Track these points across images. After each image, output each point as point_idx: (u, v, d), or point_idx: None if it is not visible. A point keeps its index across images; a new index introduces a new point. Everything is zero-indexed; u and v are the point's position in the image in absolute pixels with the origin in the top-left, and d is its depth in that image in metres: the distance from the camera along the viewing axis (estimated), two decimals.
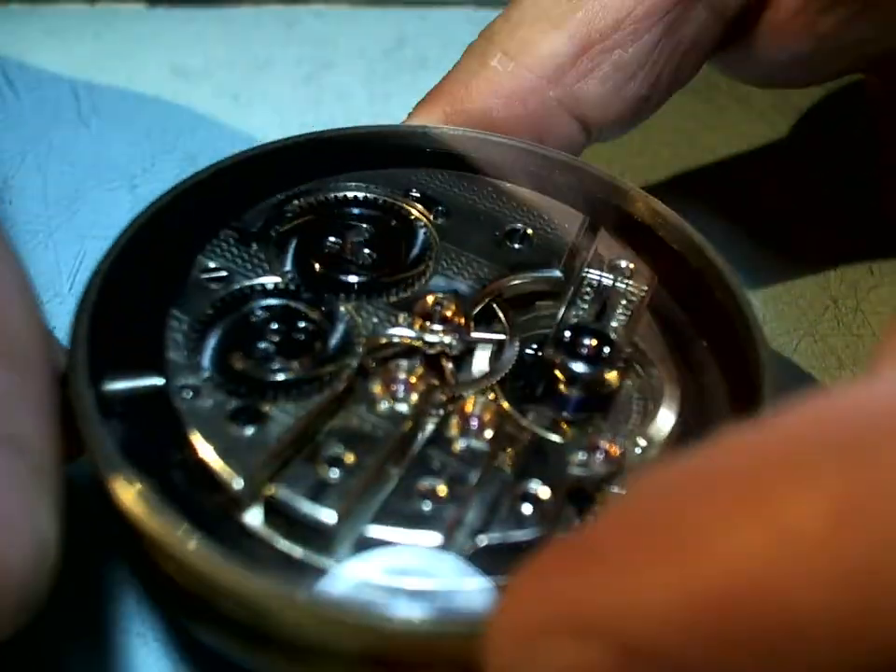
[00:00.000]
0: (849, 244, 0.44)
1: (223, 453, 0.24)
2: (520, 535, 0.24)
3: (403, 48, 0.58)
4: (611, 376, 0.28)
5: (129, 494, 0.22)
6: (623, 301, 0.30)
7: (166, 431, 0.25)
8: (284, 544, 0.24)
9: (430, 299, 0.29)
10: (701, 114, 0.53)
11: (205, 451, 0.24)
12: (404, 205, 0.33)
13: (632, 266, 0.31)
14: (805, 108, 0.53)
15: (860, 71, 0.44)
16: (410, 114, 0.37)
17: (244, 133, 0.51)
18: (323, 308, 0.29)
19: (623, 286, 0.31)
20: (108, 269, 0.27)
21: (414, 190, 0.34)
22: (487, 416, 0.26)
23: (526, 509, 0.25)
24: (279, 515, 0.24)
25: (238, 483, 0.24)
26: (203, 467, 0.24)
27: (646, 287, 0.31)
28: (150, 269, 0.29)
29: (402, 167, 0.35)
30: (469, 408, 0.27)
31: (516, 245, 0.32)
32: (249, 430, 0.25)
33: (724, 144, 0.50)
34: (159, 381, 0.26)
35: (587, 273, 0.31)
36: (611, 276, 0.31)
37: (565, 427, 0.28)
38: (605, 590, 0.15)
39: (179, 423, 0.25)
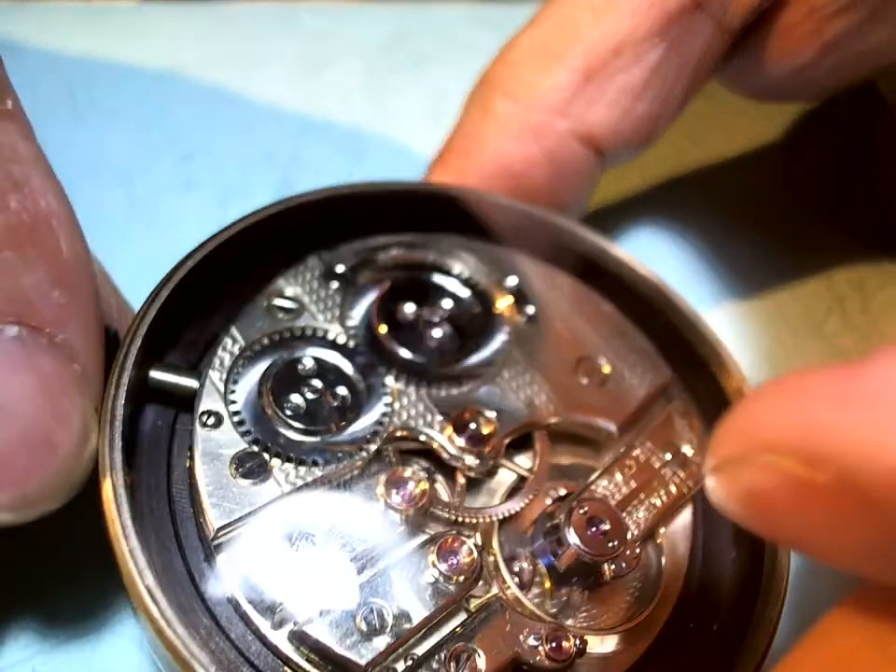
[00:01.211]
0: (854, 243, 0.44)
1: (212, 493, 0.24)
2: None
3: (402, 44, 0.58)
4: (608, 569, 0.25)
5: (108, 491, 0.22)
6: (663, 492, 0.27)
7: (178, 446, 0.26)
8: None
9: (469, 412, 0.27)
10: (704, 112, 0.52)
11: (200, 481, 0.24)
12: (496, 296, 0.31)
13: (691, 455, 0.28)
14: (808, 107, 0.53)
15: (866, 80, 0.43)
16: (425, 175, 0.35)
17: (241, 130, 0.51)
18: (369, 380, 0.28)
19: (671, 472, 0.27)
20: (194, 265, 0.27)
21: (512, 279, 0.31)
22: (467, 560, 0.25)
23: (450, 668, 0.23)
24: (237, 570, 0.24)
25: (210, 531, 0.24)
26: (194, 494, 0.25)
27: (692, 484, 0.27)
28: (230, 275, 0.29)
29: (504, 245, 0.32)
30: (454, 545, 0.25)
31: (585, 380, 0.29)
32: (244, 482, 0.25)
33: (727, 142, 0.50)
34: (194, 385, 0.26)
35: (641, 443, 0.28)
36: (664, 458, 0.28)
37: (540, 592, 0.26)
38: (858, 427, 0.16)
39: (192, 445, 0.25)
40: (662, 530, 0.27)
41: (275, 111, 0.52)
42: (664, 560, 0.27)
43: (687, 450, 0.28)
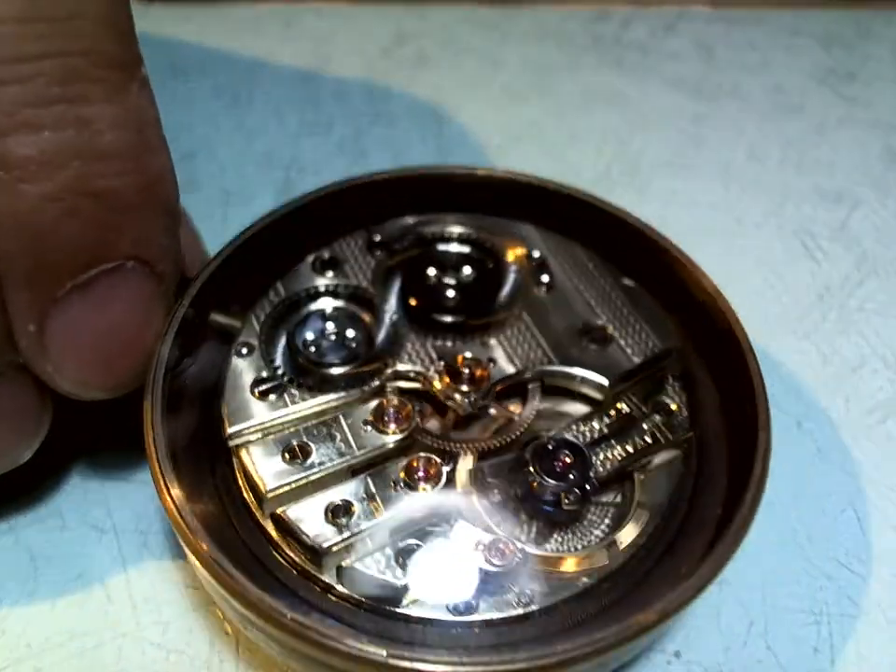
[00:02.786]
0: (837, 239, 0.44)
1: (231, 404, 0.29)
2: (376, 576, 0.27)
3: (402, 45, 0.58)
4: (566, 499, 0.28)
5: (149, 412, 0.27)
6: (638, 439, 0.30)
7: (213, 368, 0.31)
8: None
9: (464, 359, 0.31)
10: (702, 112, 0.53)
11: (225, 395, 0.30)
12: (513, 265, 0.34)
13: (675, 410, 0.30)
14: (805, 108, 0.53)
15: None
16: None
17: (243, 131, 0.51)
18: (383, 329, 0.32)
19: (651, 424, 0.30)
20: (257, 231, 0.33)
21: (534, 252, 0.35)
22: (433, 472, 0.29)
23: (394, 559, 0.27)
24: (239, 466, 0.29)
25: (226, 432, 0.29)
26: (221, 405, 0.29)
27: (671, 436, 0.29)
28: (284, 242, 0.34)
29: (528, 222, 0.35)
30: (425, 462, 0.29)
31: (587, 344, 0.32)
32: (261, 400, 0.30)
33: (726, 142, 0.50)
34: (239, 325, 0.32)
35: (627, 398, 0.31)
36: (647, 412, 0.30)
37: (515, 521, 0.29)
38: None
39: (223, 367, 0.31)
40: (641, 476, 0.29)
41: (276, 111, 0.53)
42: (638, 499, 0.29)
43: (673, 406, 0.31)
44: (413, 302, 0.33)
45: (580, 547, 0.29)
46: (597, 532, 0.29)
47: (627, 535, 0.28)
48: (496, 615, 0.26)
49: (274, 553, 0.28)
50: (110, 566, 0.31)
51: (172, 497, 0.25)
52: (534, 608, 0.26)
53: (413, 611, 0.26)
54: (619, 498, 0.30)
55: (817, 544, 0.32)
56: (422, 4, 0.62)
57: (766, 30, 0.59)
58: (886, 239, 0.44)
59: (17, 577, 0.31)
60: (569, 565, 0.28)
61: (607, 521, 0.29)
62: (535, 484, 0.29)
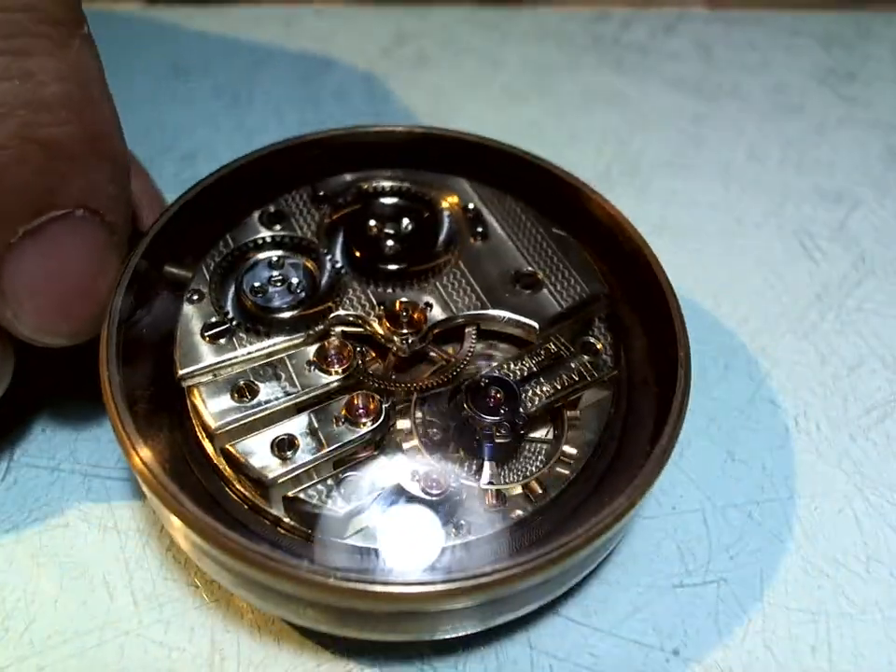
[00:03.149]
0: (836, 239, 0.44)
1: (183, 346, 0.31)
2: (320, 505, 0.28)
3: (402, 46, 0.58)
4: (496, 431, 0.30)
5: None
6: (565, 377, 0.31)
7: (166, 316, 0.32)
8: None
9: (401, 304, 0.32)
10: (701, 112, 0.53)
11: (177, 338, 0.31)
12: (448, 215, 0.36)
13: (601, 350, 0.32)
14: (805, 108, 0.53)
15: None
16: None
17: (243, 131, 0.51)
18: (325, 277, 0.33)
19: (578, 363, 0.31)
20: (207, 185, 0.34)
21: (469, 204, 0.36)
22: (371, 406, 0.30)
23: (336, 491, 0.29)
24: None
25: (178, 374, 0.30)
26: (173, 349, 0.31)
27: (596, 374, 0.31)
28: (232, 197, 0.35)
29: (465, 176, 0.37)
30: (364, 397, 0.30)
31: (519, 289, 0.33)
32: (211, 343, 0.31)
33: (726, 142, 0.50)
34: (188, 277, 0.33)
35: (556, 339, 0.32)
36: (574, 352, 0.32)
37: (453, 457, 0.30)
38: None
39: (176, 315, 0.32)
40: (571, 414, 0.31)
41: (276, 111, 0.53)
42: (568, 436, 0.31)
43: (598, 346, 0.32)
44: (357, 254, 0.34)
45: (515, 481, 0.30)
46: (531, 468, 0.31)
47: (560, 469, 0.30)
48: (435, 544, 0.28)
49: (227, 489, 0.29)
50: (112, 564, 0.32)
51: (130, 441, 0.27)
52: (471, 538, 0.28)
53: (357, 541, 0.28)
54: (551, 435, 0.31)
55: (814, 543, 0.32)
56: (422, 4, 0.62)
57: (766, 30, 0.59)
58: (885, 239, 0.44)
59: (19, 575, 0.31)
60: (505, 497, 0.29)
61: (541, 458, 0.31)
62: (469, 420, 0.30)
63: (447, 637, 0.27)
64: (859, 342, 0.39)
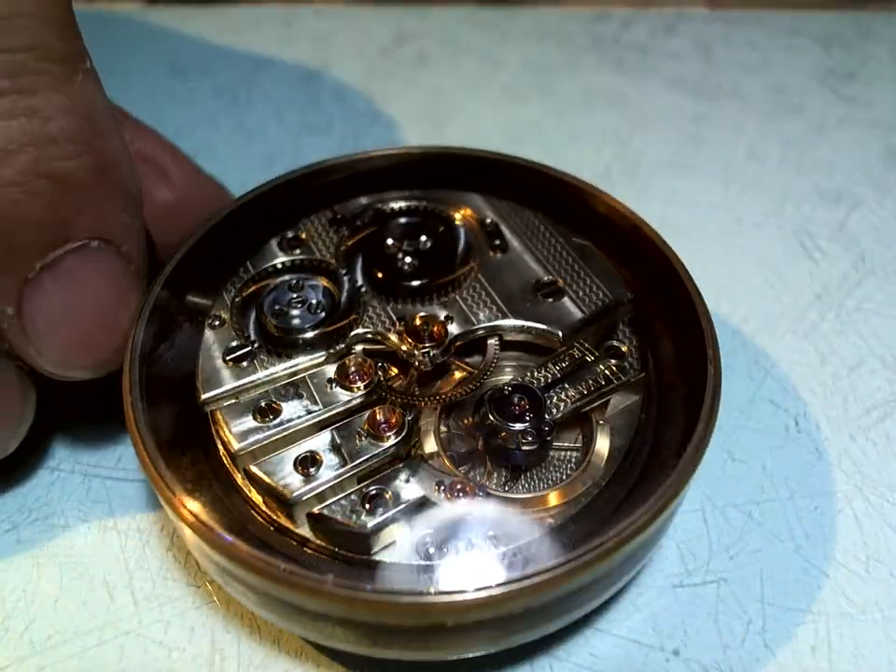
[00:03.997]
0: (836, 239, 0.44)
1: (206, 372, 0.31)
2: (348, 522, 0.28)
3: (402, 46, 0.58)
4: (523, 438, 0.29)
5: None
6: (591, 382, 0.31)
7: (189, 344, 0.32)
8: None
9: (421, 319, 0.32)
10: (701, 112, 0.53)
11: (199, 363, 0.31)
12: (467, 231, 0.36)
13: (626, 353, 0.32)
14: (805, 108, 0.53)
15: None
16: None
17: (242, 132, 0.51)
18: (345, 297, 0.34)
19: (603, 367, 0.31)
20: (225, 216, 0.35)
21: (487, 218, 0.36)
22: (393, 420, 0.30)
23: (361, 506, 0.28)
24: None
25: (201, 398, 0.30)
26: (197, 373, 0.31)
27: (623, 377, 0.31)
28: (251, 226, 0.35)
29: (482, 193, 0.37)
30: (385, 412, 0.30)
31: (540, 298, 0.33)
32: (233, 366, 0.31)
33: (726, 142, 0.50)
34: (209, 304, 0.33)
35: (580, 344, 0.32)
36: (600, 356, 0.32)
37: (482, 472, 0.30)
38: None
39: (198, 339, 0.32)
40: (601, 420, 0.31)
41: (276, 111, 0.53)
42: (601, 439, 0.30)
43: (623, 349, 0.32)
44: (378, 275, 0.34)
45: (545, 489, 0.30)
46: (560, 475, 0.30)
47: (589, 476, 0.29)
48: (462, 555, 0.27)
49: (253, 511, 0.29)
50: (112, 564, 0.32)
51: (158, 473, 0.26)
52: (502, 548, 0.27)
53: (384, 557, 0.28)
54: (579, 442, 0.31)
55: (814, 543, 0.32)
56: (422, 4, 0.62)
57: (766, 30, 0.59)
58: (884, 239, 0.44)
59: (19, 575, 0.31)
60: (533, 506, 0.29)
61: (570, 465, 0.31)
62: (494, 429, 0.30)
63: (479, 654, 0.27)
64: (859, 342, 0.39)
